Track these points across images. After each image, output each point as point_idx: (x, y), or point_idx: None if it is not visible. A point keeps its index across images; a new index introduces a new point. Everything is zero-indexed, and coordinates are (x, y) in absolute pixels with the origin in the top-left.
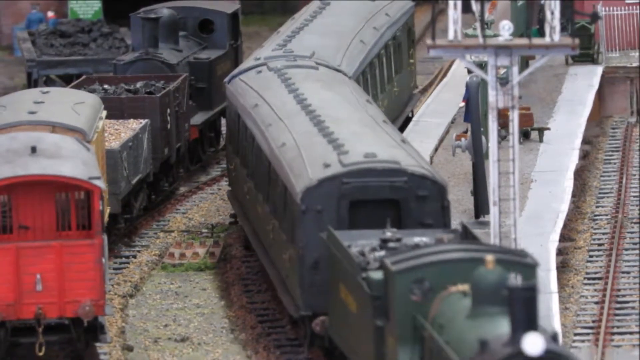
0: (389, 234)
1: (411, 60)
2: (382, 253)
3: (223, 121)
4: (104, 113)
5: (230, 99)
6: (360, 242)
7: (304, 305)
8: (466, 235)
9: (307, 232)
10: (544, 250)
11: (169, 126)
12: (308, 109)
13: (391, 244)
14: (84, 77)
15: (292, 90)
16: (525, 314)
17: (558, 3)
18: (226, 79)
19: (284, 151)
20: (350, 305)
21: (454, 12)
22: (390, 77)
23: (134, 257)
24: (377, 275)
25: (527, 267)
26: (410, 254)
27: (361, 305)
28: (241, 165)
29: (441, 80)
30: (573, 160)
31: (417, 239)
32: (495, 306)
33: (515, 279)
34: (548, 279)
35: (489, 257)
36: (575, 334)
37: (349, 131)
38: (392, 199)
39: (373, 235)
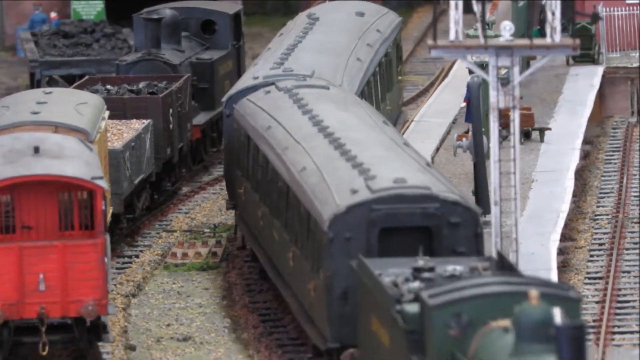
0: (421, 262)
1: (399, 77)
2: (417, 284)
3: None
4: (107, 113)
5: (238, 120)
6: (392, 271)
7: (332, 337)
8: (502, 263)
9: (335, 260)
10: (545, 249)
11: (171, 126)
12: (326, 132)
13: (425, 274)
14: (86, 77)
15: (306, 111)
16: (574, 353)
17: (559, 3)
18: (224, 98)
19: (305, 176)
20: (382, 338)
21: (455, 13)
22: (384, 95)
23: (137, 256)
24: (413, 308)
25: (571, 301)
26: (448, 287)
27: (395, 339)
28: (252, 189)
29: (442, 80)
30: (574, 160)
31: (450, 268)
32: (540, 344)
33: (562, 317)
34: (549, 278)
35: (534, 293)
36: None
37: (372, 154)
38: (424, 226)
39: (404, 264)
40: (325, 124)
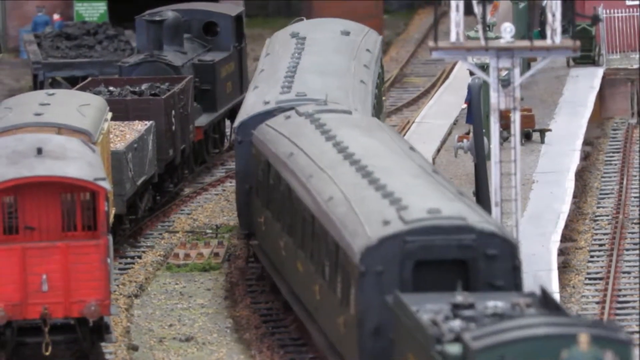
0: (459, 298)
1: (383, 98)
2: (457, 322)
3: (227, 122)
4: (109, 115)
5: (257, 147)
6: (429, 307)
7: None
8: (545, 300)
9: (367, 295)
10: (546, 250)
11: (173, 128)
12: (352, 159)
13: (466, 312)
14: (89, 79)
15: (329, 137)
16: None
17: (559, 5)
18: (235, 124)
19: (333, 206)
20: None
21: (456, 15)
22: (378, 117)
23: (139, 257)
24: (454, 349)
25: (622, 344)
26: (491, 328)
27: None
28: (274, 218)
29: (443, 82)
30: (574, 161)
31: (491, 305)
32: None
33: None
34: (550, 279)
35: (584, 337)
36: None
37: (402, 183)
38: (460, 259)
39: (441, 299)
40: (350, 151)
